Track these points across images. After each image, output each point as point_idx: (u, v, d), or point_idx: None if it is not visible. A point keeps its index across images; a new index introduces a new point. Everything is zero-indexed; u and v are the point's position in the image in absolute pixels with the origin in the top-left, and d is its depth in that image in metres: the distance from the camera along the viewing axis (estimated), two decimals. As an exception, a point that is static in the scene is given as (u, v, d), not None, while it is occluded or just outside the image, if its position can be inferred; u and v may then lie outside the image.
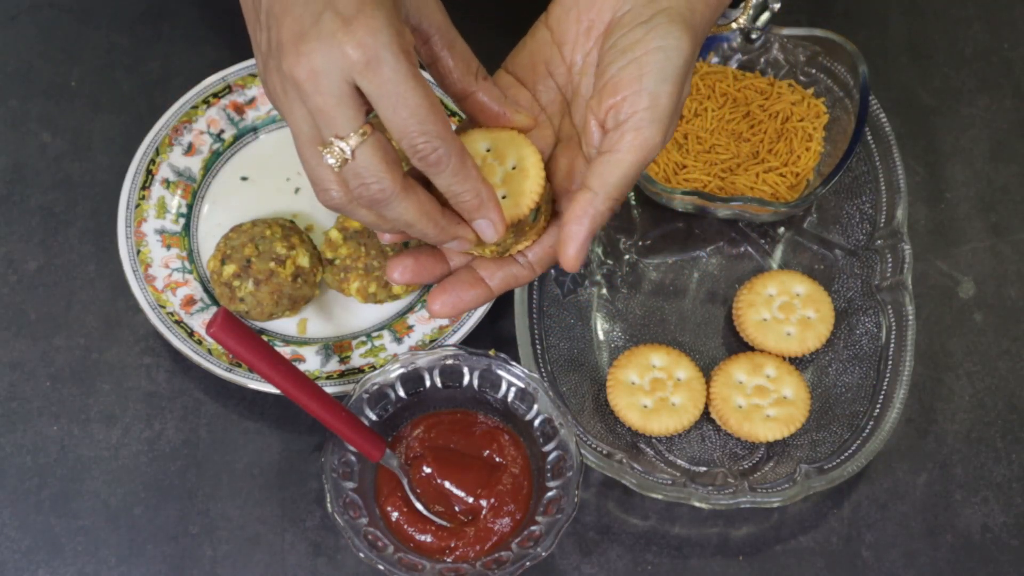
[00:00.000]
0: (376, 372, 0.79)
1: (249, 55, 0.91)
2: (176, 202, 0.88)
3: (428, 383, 0.81)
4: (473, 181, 0.63)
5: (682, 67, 0.65)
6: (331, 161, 0.61)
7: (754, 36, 0.90)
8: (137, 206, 0.86)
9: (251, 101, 0.91)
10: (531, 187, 0.66)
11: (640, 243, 0.90)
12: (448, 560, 0.77)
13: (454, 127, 0.64)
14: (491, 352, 0.80)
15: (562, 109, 0.70)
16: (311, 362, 0.83)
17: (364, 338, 0.85)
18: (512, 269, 0.69)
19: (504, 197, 0.66)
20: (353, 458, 0.78)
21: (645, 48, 0.64)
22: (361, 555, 0.75)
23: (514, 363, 0.80)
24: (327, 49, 0.58)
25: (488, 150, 0.68)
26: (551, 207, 0.69)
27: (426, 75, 0.70)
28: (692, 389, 0.83)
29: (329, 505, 0.75)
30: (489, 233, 0.65)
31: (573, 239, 0.65)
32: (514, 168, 0.67)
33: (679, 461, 0.83)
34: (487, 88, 0.67)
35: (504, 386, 0.80)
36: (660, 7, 0.66)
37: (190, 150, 0.89)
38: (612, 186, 0.64)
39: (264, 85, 0.64)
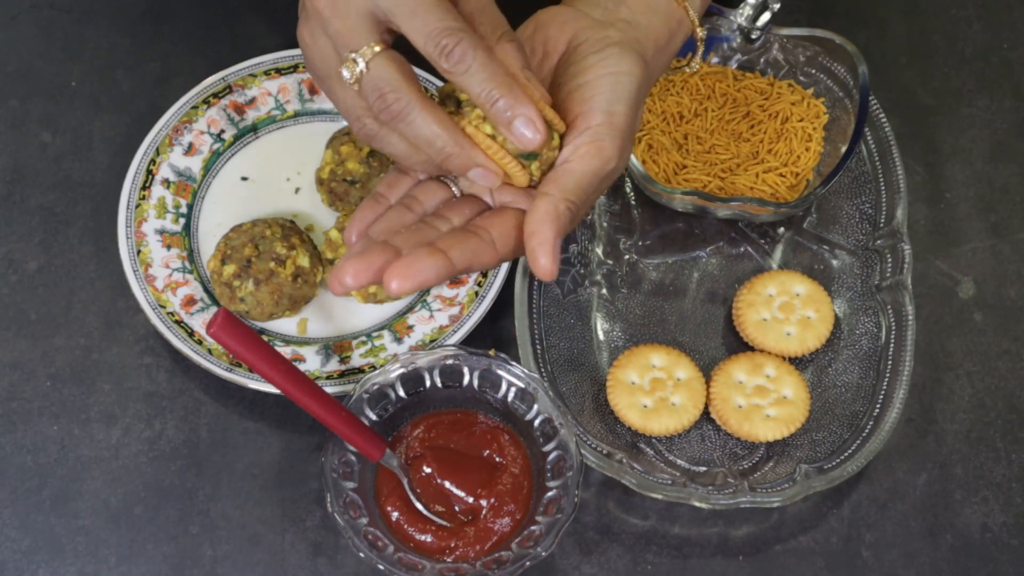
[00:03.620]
0: (376, 372, 0.79)
1: (249, 55, 0.92)
2: (176, 202, 0.88)
3: (428, 383, 0.81)
4: (504, 76, 0.62)
5: (635, 92, 0.67)
6: (346, 75, 0.62)
7: (754, 36, 0.90)
8: (137, 206, 0.86)
9: (251, 101, 0.91)
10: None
11: (640, 243, 0.90)
12: (448, 560, 0.77)
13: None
14: (491, 352, 0.80)
15: None
16: (311, 362, 0.83)
17: (364, 338, 0.85)
18: (472, 243, 0.64)
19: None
20: (353, 458, 0.78)
21: (596, 73, 0.67)
22: (361, 555, 0.75)
23: (514, 363, 0.80)
24: None
25: None
26: (562, 125, 0.66)
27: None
28: (692, 389, 0.83)
29: (329, 505, 0.75)
30: (530, 134, 0.62)
31: (543, 245, 0.63)
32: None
33: (679, 461, 0.83)
34: (509, 50, 0.65)
35: (504, 386, 0.80)
36: (612, 41, 0.68)
37: (190, 150, 0.89)
38: (570, 189, 0.64)
39: (301, 44, 0.66)
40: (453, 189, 0.69)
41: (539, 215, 0.63)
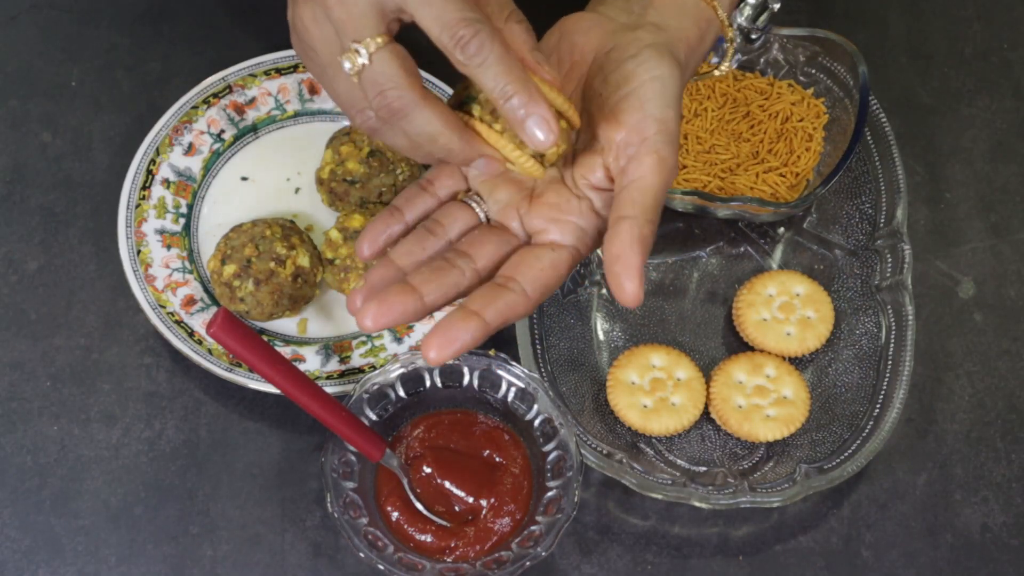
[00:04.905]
0: (376, 372, 0.79)
1: (248, 55, 0.92)
2: (176, 202, 0.88)
3: (428, 383, 0.81)
4: (519, 71, 0.60)
5: (678, 94, 0.66)
6: (347, 66, 0.61)
7: (754, 36, 0.90)
8: (137, 206, 0.86)
9: (251, 101, 0.91)
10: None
11: (640, 243, 0.90)
12: (448, 560, 0.77)
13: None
14: (491, 352, 0.80)
15: None
16: (311, 362, 0.83)
17: (364, 338, 0.85)
18: (505, 299, 0.64)
19: None
20: (353, 458, 0.78)
21: (640, 79, 0.65)
22: (361, 555, 0.75)
23: (514, 363, 0.80)
24: None
25: None
26: (575, 112, 0.65)
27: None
28: (692, 389, 0.83)
29: (329, 505, 0.75)
30: (542, 134, 0.60)
31: (628, 270, 0.61)
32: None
33: (679, 461, 0.83)
34: (518, 31, 0.64)
35: (504, 386, 0.80)
36: (645, 43, 0.67)
37: (190, 150, 0.89)
38: (649, 208, 0.63)
39: (292, 29, 0.64)
40: (477, 212, 0.68)
41: (625, 240, 0.62)
